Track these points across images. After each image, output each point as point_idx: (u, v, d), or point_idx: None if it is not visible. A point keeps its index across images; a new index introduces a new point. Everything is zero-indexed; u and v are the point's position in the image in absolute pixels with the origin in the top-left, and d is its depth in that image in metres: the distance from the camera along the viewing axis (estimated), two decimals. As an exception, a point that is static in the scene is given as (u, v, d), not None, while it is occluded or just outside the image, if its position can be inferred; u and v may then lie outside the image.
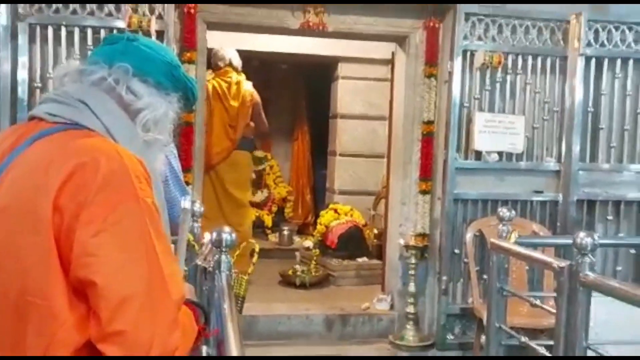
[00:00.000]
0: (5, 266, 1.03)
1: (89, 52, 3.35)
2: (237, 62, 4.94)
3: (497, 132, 3.92)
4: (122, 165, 1.05)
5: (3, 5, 3.30)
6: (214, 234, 1.91)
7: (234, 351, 1.41)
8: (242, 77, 5.01)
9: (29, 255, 1.01)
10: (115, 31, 3.44)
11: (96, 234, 1.00)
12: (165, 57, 1.25)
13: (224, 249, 1.88)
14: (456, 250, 3.94)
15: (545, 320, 3.15)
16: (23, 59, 3.37)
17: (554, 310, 2.22)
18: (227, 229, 1.91)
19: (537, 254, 2.60)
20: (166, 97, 1.25)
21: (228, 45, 5.28)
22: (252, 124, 4.99)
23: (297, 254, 5.85)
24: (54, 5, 3.40)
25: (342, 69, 6.41)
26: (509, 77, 3.95)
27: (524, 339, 2.52)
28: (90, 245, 0.99)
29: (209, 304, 1.83)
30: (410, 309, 3.98)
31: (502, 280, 2.68)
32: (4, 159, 1.10)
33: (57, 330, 0.99)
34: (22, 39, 3.37)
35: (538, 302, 2.58)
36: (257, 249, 2.92)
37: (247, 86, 5.01)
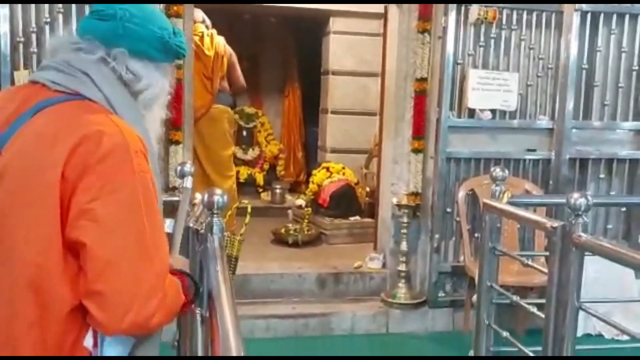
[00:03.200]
0: (11, 230, 1.10)
1: (73, 6, 3.30)
2: (201, 18, 4.88)
3: (490, 90, 3.87)
4: (123, 140, 1.13)
5: (-19, -42, 3.17)
6: (205, 196, 1.88)
7: (226, 313, 1.41)
8: (214, 31, 4.97)
9: (38, 219, 1.09)
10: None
11: (91, 200, 1.08)
12: (157, 32, 1.29)
13: (215, 211, 1.85)
14: (448, 209, 3.94)
15: (536, 278, 3.19)
16: (4, 13, 3.25)
17: (546, 270, 2.22)
18: (218, 190, 1.89)
19: (530, 215, 2.60)
20: (162, 70, 1.33)
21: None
22: (225, 84, 4.97)
23: (290, 212, 5.84)
24: (35, -43, 3.26)
25: (334, 23, 6.28)
26: (503, 33, 3.88)
27: (515, 297, 2.54)
28: (85, 210, 1.08)
29: (202, 267, 1.82)
30: (402, 267, 4.01)
31: (494, 239, 2.69)
32: (9, 123, 1.16)
33: (54, 286, 1.09)
34: (2, -7, 3.25)
35: (530, 261, 2.59)
36: (249, 209, 2.91)
37: (220, 39, 4.99)
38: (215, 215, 1.85)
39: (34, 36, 3.32)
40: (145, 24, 1.28)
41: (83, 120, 1.14)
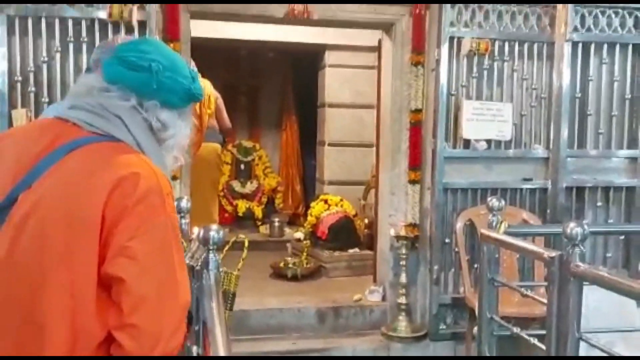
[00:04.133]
0: (48, 260, 1.15)
1: (71, 45, 3.34)
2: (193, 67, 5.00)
3: (485, 120, 3.89)
4: (157, 183, 1.22)
5: (-21, -1, 3.22)
6: (201, 232, 1.88)
7: (221, 352, 1.41)
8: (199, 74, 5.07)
9: (77, 253, 1.14)
10: (96, 21, 3.37)
11: (129, 239, 1.16)
12: (185, 83, 1.35)
13: (211, 247, 1.85)
14: (447, 240, 3.92)
15: (537, 309, 3.15)
16: (2, 51, 3.29)
17: (545, 301, 2.20)
18: (214, 226, 1.88)
19: (527, 245, 2.59)
20: (184, 117, 1.40)
21: (213, 34, 5.25)
22: (213, 121, 5.07)
23: (289, 245, 5.82)
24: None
25: (329, 56, 6.36)
26: (496, 64, 3.92)
27: (515, 329, 2.51)
28: (124, 247, 1.15)
29: (198, 303, 1.81)
30: (402, 300, 3.97)
31: (493, 270, 2.67)
32: (40, 158, 1.20)
33: (87, 320, 1.14)
34: (1, 31, 3.28)
35: (529, 292, 2.57)
36: (246, 244, 2.89)
37: (207, 83, 5.07)
38: (210, 251, 1.84)
39: (31, 75, 3.35)
40: (174, 76, 1.33)
41: (119, 161, 1.21)
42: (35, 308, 1.15)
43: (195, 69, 5.01)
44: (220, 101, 5.23)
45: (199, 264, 1.88)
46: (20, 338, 1.16)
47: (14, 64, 3.34)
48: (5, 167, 1.23)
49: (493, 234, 2.67)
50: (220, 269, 2.50)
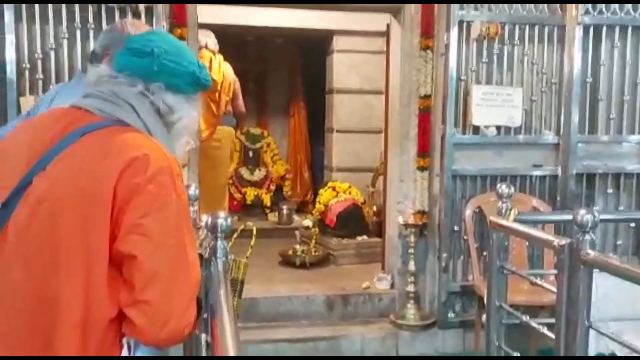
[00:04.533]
0: (60, 240, 1.18)
1: (78, 31, 3.33)
2: (213, 45, 5.05)
3: (494, 106, 3.86)
4: (167, 163, 1.25)
5: (-13, -15, 3.21)
6: (209, 219, 1.87)
7: (229, 341, 1.40)
8: (221, 57, 5.11)
9: (89, 231, 1.18)
10: (103, 8, 3.36)
11: (141, 217, 1.19)
12: (188, 67, 1.40)
13: (219, 235, 1.84)
14: (456, 228, 3.90)
15: (546, 297, 3.13)
16: (10, 38, 3.28)
17: (555, 289, 2.19)
18: (222, 214, 1.87)
19: (537, 232, 2.56)
20: (191, 102, 1.44)
21: (220, 20, 5.22)
22: (229, 107, 5.08)
23: (297, 233, 5.81)
24: (40, -17, 3.31)
25: (337, 42, 6.31)
26: (506, 48, 3.88)
27: (525, 318, 2.49)
28: (136, 225, 1.18)
29: (207, 291, 1.81)
30: (411, 288, 3.96)
31: (502, 258, 2.65)
32: (54, 142, 1.24)
33: (99, 296, 1.17)
34: (9, 18, 3.27)
35: (538, 280, 2.55)
36: (254, 232, 2.88)
37: (227, 66, 5.14)
38: (219, 239, 1.84)
39: (39, 62, 3.34)
40: (177, 60, 1.38)
41: (130, 143, 1.25)
42: (49, 285, 1.18)
43: (216, 46, 5.03)
44: (238, 86, 5.26)
45: (208, 251, 1.88)
46: (35, 314, 1.19)
47: (22, 51, 3.33)
48: (20, 153, 1.27)
49: (502, 222, 2.65)
50: (229, 257, 2.51)
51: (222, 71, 5.04)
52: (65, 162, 1.23)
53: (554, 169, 3.97)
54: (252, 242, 2.83)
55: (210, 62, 4.95)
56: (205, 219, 2.04)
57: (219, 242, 1.82)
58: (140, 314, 1.17)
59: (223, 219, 1.82)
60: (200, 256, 1.94)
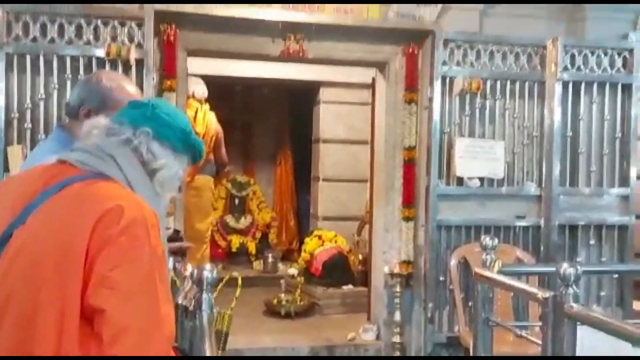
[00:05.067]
0: (34, 295, 1.16)
1: (68, 82, 3.37)
2: (201, 93, 5.15)
3: (477, 158, 3.93)
4: (141, 215, 1.24)
5: (-21, 36, 3.26)
6: (195, 271, 1.87)
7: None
8: (207, 106, 5.20)
9: (63, 285, 1.16)
10: (94, 60, 3.41)
11: (112, 268, 1.16)
12: (181, 125, 1.43)
13: (205, 287, 1.84)
14: (441, 278, 3.91)
15: (532, 348, 3.12)
16: (0, 86, 3.32)
17: (539, 342, 2.19)
18: (208, 266, 1.88)
19: (521, 285, 2.58)
20: (179, 158, 1.44)
21: (209, 70, 5.32)
22: (211, 155, 5.12)
23: (282, 282, 5.77)
24: (32, 34, 3.36)
25: (324, 93, 6.43)
26: (488, 103, 3.98)
27: (510, 370, 2.48)
28: (106, 277, 1.16)
29: (192, 344, 1.79)
30: (397, 339, 3.94)
31: (487, 310, 2.66)
32: (36, 195, 1.26)
33: (70, 351, 1.14)
34: (0, 67, 3.32)
35: (523, 333, 2.56)
36: (239, 282, 2.87)
37: (212, 116, 5.20)
38: (204, 292, 1.83)
39: (28, 112, 3.37)
40: (172, 116, 1.43)
41: (106, 195, 1.25)
42: (24, 339, 1.16)
43: (204, 94, 5.09)
44: (221, 136, 5.31)
45: (192, 303, 1.87)
46: None
47: (11, 101, 3.36)
48: (4, 206, 1.28)
49: (487, 273, 2.66)
50: (214, 309, 2.49)
51: (206, 122, 5.11)
52: (42, 215, 1.24)
53: (536, 220, 4.02)
54: (237, 294, 2.82)
55: (196, 112, 5.02)
56: (190, 270, 2.04)
57: (205, 295, 1.82)
58: None
59: (209, 271, 1.83)
60: (185, 308, 1.94)
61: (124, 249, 1.19)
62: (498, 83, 3.98)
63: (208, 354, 1.59)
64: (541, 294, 2.15)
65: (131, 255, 1.19)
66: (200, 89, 5.14)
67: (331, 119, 6.40)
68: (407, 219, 4.02)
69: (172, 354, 1.27)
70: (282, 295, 5.18)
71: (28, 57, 3.36)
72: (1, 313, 1.18)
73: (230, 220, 7.07)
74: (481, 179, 3.96)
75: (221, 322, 2.66)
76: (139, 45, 3.45)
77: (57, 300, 1.16)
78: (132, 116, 1.39)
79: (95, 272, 1.16)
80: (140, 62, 3.44)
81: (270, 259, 6.39)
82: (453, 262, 3.83)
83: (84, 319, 1.17)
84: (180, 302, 1.95)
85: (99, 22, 3.43)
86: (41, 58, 3.37)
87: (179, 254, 2.25)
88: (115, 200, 1.23)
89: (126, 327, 1.15)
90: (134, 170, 1.35)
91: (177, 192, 1.52)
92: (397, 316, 3.94)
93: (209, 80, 5.57)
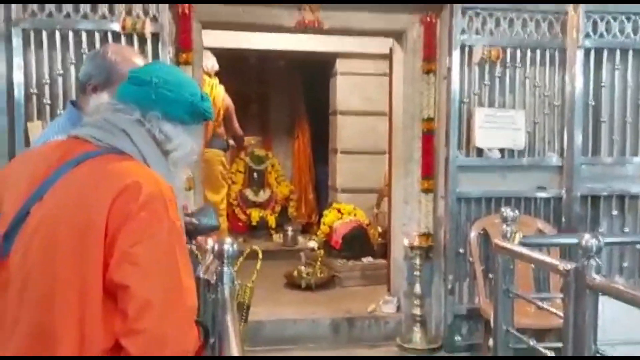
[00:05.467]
0: (54, 270, 1.18)
1: (85, 57, 3.35)
2: (210, 66, 5.05)
3: (497, 128, 3.87)
4: (158, 190, 1.24)
5: (-4, 12, 3.26)
6: (216, 245, 1.88)
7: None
8: (216, 80, 5.12)
9: (83, 261, 1.17)
10: (109, 34, 3.41)
11: (133, 244, 1.18)
12: (188, 97, 1.40)
13: (226, 261, 1.85)
14: (461, 250, 3.89)
15: (554, 320, 3.09)
16: (18, 64, 3.33)
17: (561, 313, 2.18)
18: (228, 239, 1.89)
19: (541, 256, 2.57)
20: (191, 132, 1.43)
21: (224, 43, 5.28)
22: (220, 130, 5.07)
23: (302, 254, 5.80)
24: (47, 9, 3.35)
25: (340, 64, 6.37)
26: (508, 71, 3.90)
27: (532, 342, 2.48)
28: (128, 254, 1.17)
29: (214, 317, 1.81)
30: (417, 311, 3.95)
31: (507, 281, 2.65)
32: (51, 171, 1.25)
33: (94, 327, 1.16)
34: (17, 45, 3.32)
35: (545, 304, 2.55)
36: (260, 255, 2.89)
37: (220, 89, 5.12)
38: (225, 265, 1.85)
39: (47, 87, 3.38)
40: (177, 89, 1.39)
41: (123, 171, 1.25)
42: (45, 316, 1.18)
43: (215, 67, 5.04)
44: (232, 110, 5.25)
45: (214, 277, 1.88)
46: (31, 349, 1.18)
47: (30, 77, 3.37)
48: (21, 183, 1.28)
49: (507, 245, 2.65)
50: (235, 282, 2.51)
51: (213, 95, 5.05)
52: (59, 191, 1.24)
53: (558, 191, 3.97)
54: (258, 266, 2.84)
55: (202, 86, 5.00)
56: (211, 244, 2.06)
57: (225, 268, 1.83)
58: (135, 343, 1.15)
59: (229, 245, 1.84)
60: (207, 281, 1.96)
61: (144, 225, 1.20)
62: (518, 51, 3.90)
63: (230, 326, 1.61)
64: (562, 265, 2.13)
65: (151, 230, 1.20)
66: (210, 62, 5.06)
67: (348, 90, 6.35)
68: (426, 190, 3.99)
69: (194, 327, 1.27)
70: (302, 267, 5.21)
71: (44, 33, 3.36)
72: (22, 291, 1.19)
73: (249, 193, 7.10)
74: (501, 150, 3.91)
75: (243, 294, 2.70)
76: (154, 19, 3.43)
77: (77, 277, 1.17)
78: (136, 96, 1.36)
79: (116, 248, 1.17)
80: (155, 36, 3.43)
81: (290, 232, 6.41)
82: (473, 234, 3.81)
83: (107, 295, 1.18)
84: (201, 275, 1.97)
85: (114, -5, 3.41)
86: (57, 33, 3.37)
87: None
88: (133, 176, 1.23)
89: (150, 301, 1.16)
90: (148, 147, 1.35)
91: (192, 166, 1.50)
92: (417, 288, 3.95)
93: (222, 53, 5.55)
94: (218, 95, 5.08)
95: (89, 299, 1.17)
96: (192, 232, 1.99)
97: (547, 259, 2.53)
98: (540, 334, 3.21)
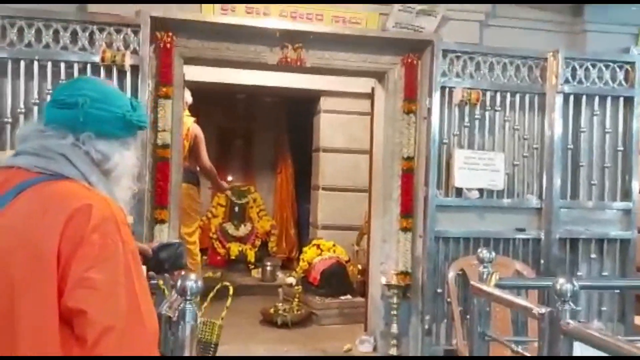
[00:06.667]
0: (11, 304, 1.14)
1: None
2: (189, 99, 4.89)
3: (477, 169, 3.88)
4: (110, 212, 1.22)
5: (-27, 40, 3.23)
6: (178, 282, 1.82)
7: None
8: (185, 112, 4.98)
9: (38, 292, 1.14)
10: (89, 65, 3.38)
11: (88, 269, 1.14)
12: (117, 112, 1.36)
13: (188, 297, 1.79)
14: (439, 290, 3.85)
15: (531, 363, 3.06)
16: (-7, 93, 3.29)
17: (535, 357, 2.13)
18: (192, 275, 1.83)
19: (517, 299, 2.52)
20: (127, 145, 1.40)
21: (209, 78, 5.27)
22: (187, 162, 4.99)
23: (280, 290, 5.72)
24: (26, 39, 3.33)
25: (324, 102, 6.41)
26: (487, 114, 3.93)
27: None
28: (83, 278, 1.14)
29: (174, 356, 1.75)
30: (394, 351, 3.89)
31: (483, 324, 2.60)
32: None
33: (48, 349, 1.13)
34: (-7, 73, 3.29)
35: (520, 348, 2.50)
36: (230, 291, 2.83)
37: (187, 120, 4.94)
38: (188, 302, 1.79)
39: (22, 117, 3.33)
40: (104, 106, 1.34)
41: (71, 194, 1.21)
42: (5, 350, 1.14)
43: (189, 100, 4.97)
44: (200, 140, 4.99)
45: (176, 314, 1.82)
46: None
47: (4, 106, 3.32)
48: None
49: (483, 287, 2.61)
50: (200, 320, 2.43)
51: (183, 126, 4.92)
52: (4, 222, 1.20)
53: (537, 233, 3.96)
54: (228, 303, 2.77)
55: None
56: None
57: (188, 306, 1.77)
58: None
59: (193, 281, 1.78)
60: (169, 318, 1.89)
61: (98, 248, 1.17)
62: (498, 94, 3.94)
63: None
64: (537, 309, 2.10)
65: (105, 253, 1.18)
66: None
67: (331, 128, 6.37)
68: (405, 229, 3.97)
69: (156, 351, 1.24)
70: (280, 304, 5.14)
71: (22, 63, 3.32)
72: None
73: (229, 227, 7.04)
74: (480, 191, 3.91)
75: (210, 332, 2.63)
76: (135, 52, 3.42)
77: (35, 306, 1.14)
78: (64, 120, 1.31)
79: (71, 274, 1.14)
80: (135, 69, 3.41)
81: (269, 267, 6.34)
82: (451, 275, 3.77)
83: (62, 322, 1.15)
84: (163, 312, 1.91)
85: (95, 27, 3.39)
86: (35, 63, 3.34)
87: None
88: (82, 199, 1.20)
89: (109, 326, 1.13)
90: (88, 167, 1.31)
91: (135, 181, 1.48)
92: (394, 328, 3.89)
93: (209, 87, 5.55)
94: (184, 125, 4.96)
95: (47, 328, 1.14)
96: (156, 267, 1.92)
97: (523, 302, 2.48)
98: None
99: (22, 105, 3.33)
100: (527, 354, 2.41)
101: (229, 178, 7.24)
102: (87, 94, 1.33)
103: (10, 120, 3.31)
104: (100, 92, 1.36)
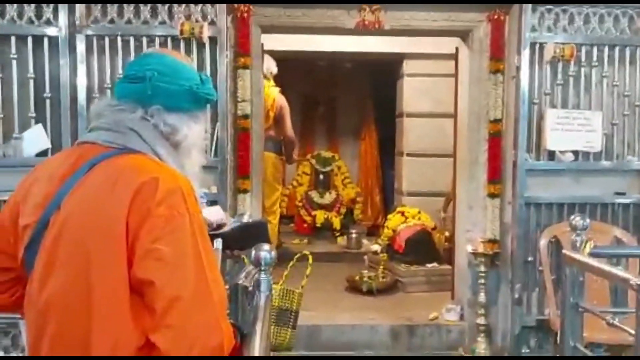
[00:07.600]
0: (80, 274, 1.19)
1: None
2: (266, 69, 4.91)
3: (571, 130, 3.63)
4: (176, 184, 1.25)
5: (61, 19, 3.36)
6: (254, 252, 1.83)
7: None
8: (270, 82, 5.02)
9: (109, 265, 1.18)
10: (169, 39, 3.45)
11: (155, 240, 1.18)
12: (185, 85, 1.39)
13: (263, 268, 1.79)
14: (530, 258, 3.68)
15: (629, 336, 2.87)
16: (82, 70, 3.42)
17: (632, 331, 1.98)
18: (265, 246, 1.83)
19: (612, 269, 2.34)
20: (196, 119, 1.43)
21: (289, 46, 5.25)
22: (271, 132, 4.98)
23: (365, 258, 5.71)
24: (109, 16, 3.43)
25: (407, 65, 6.22)
26: (583, 70, 3.65)
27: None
28: (150, 250, 1.17)
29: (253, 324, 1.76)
30: (481, 320, 3.77)
31: (576, 295, 2.46)
32: (65, 179, 1.27)
33: (125, 327, 1.17)
34: (80, 51, 3.41)
35: (616, 320, 2.33)
36: (310, 260, 2.83)
37: (272, 90, 5.03)
38: (263, 272, 1.79)
39: (108, 92, 3.44)
40: (173, 80, 1.38)
41: (139, 168, 1.25)
42: (78, 322, 1.19)
43: (273, 69, 5.00)
44: (285, 111, 5.11)
45: (252, 284, 1.83)
46: (65, 354, 1.20)
47: (92, 81, 3.46)
48: (40, 192, 1.30)
49: (576, 256, 2.45)
50: (280, 287, 2.45)
51: (266, 96, 4.96)
52: (76, 197, 1.24)
53: (638, 197, 3.67)
54: (308, 272, 2.78)
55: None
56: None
57: (263, 275, 1.77)
58: (164, 339, 1.15)
59: (267, 251, 1.78)
60: (245, 288, 1.91)
61: (164, 220, 1.20)
62: (594, 49, 3.64)
63: (258, 335, 1.55)
64: (634, 280, 1.94)
65: (172, 225, 1.20)
66: (265, 65, 5.02)
67: (415, 92, 6.18)
68: (492, 195, 3.79)
69: (226, 319, 1.25)
70: (365, 271, 5.11)
71: (107, 39, 3.44)
72: (55, 301, 1.21)
73: (314, 195, 7.08)
74: (575, 153, 3.67)
75: (290, 301, 2.65)
76: (212, 23, 3.45)
77: (108, 278, 1.18)
78: (134, 93, 1.36)
79: (139, 245, 1.18)
80: (213, 40, 3.44)
81: (354, 235, 6.32)
82: (543, 242, 3.59)
83: (133, 292, 1.19)
84: (241, 282, 1.93)
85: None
86: (119, 39, 3.44)
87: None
88: (149, 173, 1.24)
89: (176, 297, 1.16)
90: (157, 141, 1.35)
91: (204, 154, 1.51)
92: (482, 297, 3.77)
93: (290, 56, 5.54)
94: (269, 96, 5.02)
95: (119, 299, 1.18)
96: (241, 246, 1.95)
97: (619, 273, 2.30)
98: (617, 350, 2.99)
99: (108, 81, 3.45)
100: (623, 326, 2.24)
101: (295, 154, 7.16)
102: (155, 68, 1.36)
103: (98, 95, 3.44)
104: (168, 66, 1.39)
